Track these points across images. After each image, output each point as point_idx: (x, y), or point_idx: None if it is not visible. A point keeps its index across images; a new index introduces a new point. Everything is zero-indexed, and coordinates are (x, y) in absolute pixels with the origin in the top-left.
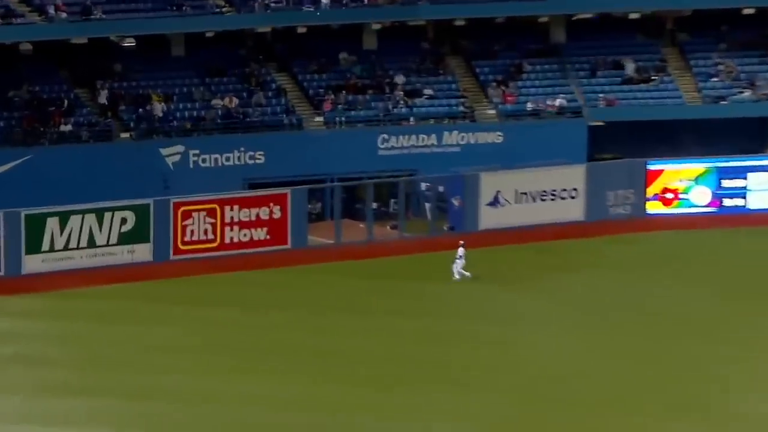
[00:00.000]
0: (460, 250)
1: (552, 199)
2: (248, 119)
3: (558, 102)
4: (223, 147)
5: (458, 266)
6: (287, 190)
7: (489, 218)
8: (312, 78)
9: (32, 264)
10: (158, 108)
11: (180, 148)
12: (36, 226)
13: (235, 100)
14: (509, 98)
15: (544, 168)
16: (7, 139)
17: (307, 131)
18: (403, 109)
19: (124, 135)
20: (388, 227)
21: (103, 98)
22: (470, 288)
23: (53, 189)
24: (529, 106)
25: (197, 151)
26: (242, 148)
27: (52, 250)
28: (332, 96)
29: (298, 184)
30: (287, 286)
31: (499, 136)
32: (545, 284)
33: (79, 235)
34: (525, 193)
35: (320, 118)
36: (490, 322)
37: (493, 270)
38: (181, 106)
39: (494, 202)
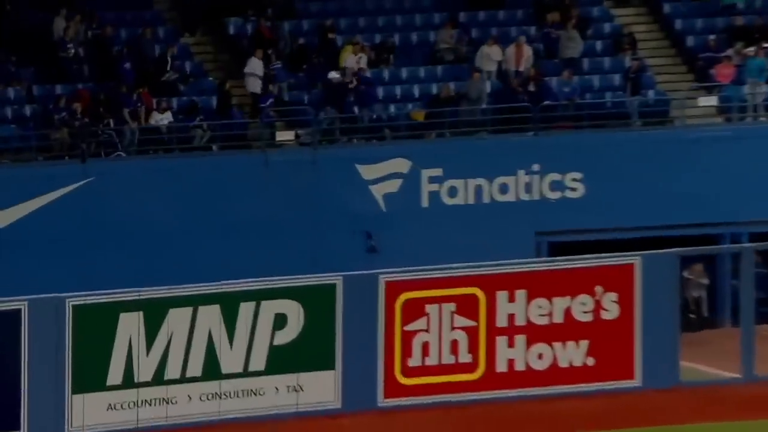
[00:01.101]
0: None
1: None
2: (549, 102)
3: None
4: (494, 162)
5: None
6: (634, 259)
7: None
8: (689, 12)
9: (88, 413)
10: (353, 73)
11: (402, 164)
12: (96, 329)
13: (526, 57)
14: None
15: None
16: (45, 143)
17: (679, 129)
18: None
19: (285, 135)
20: None
21: (254, 68)
22: None
23: (134, 248)
24: None
25: (438, 172)
26: (535, 166)
27: (129, 384)
28: (736, 52)
29: (657, 243)
30: None
31: None
32: None
33: (187, 352)
34: None
35: (708, 99)
36: None
37: None
38: (405, 72)
39: None
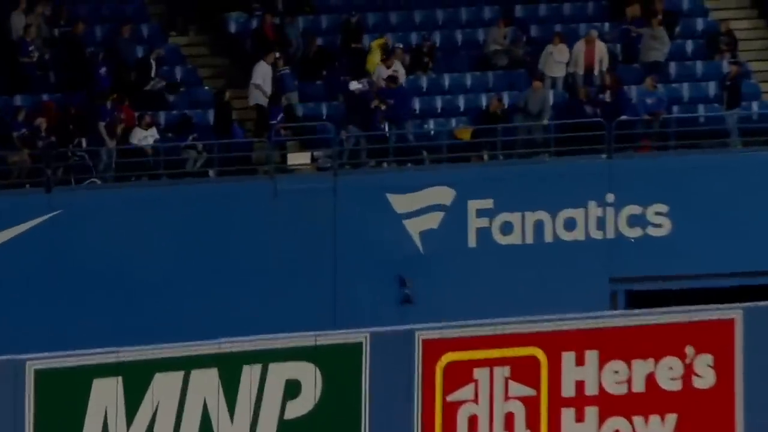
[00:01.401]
0: None
1: None
2: (628, 117)
3: None
4: (558, 192)
5: None
6: (734, 312)
7: None
8: None
9: None
10: (381, 83)
11: (443, 193)
12: (64, 398)
13: (600, 58)
14: None
15: None
16: (1, 168)
17: None
18: None
19: (298, 158)
20: None
21: (263, 77)
22: None
23: (111, 297)
24: None
25: (488, 203)
26: (609, 197)
27: None
28: None
29: (762, 294)
30: None
31: None
32: None
33: (177, 427)
34: None
35: None
36: None
37: None
38: (448, 80)
39: None
